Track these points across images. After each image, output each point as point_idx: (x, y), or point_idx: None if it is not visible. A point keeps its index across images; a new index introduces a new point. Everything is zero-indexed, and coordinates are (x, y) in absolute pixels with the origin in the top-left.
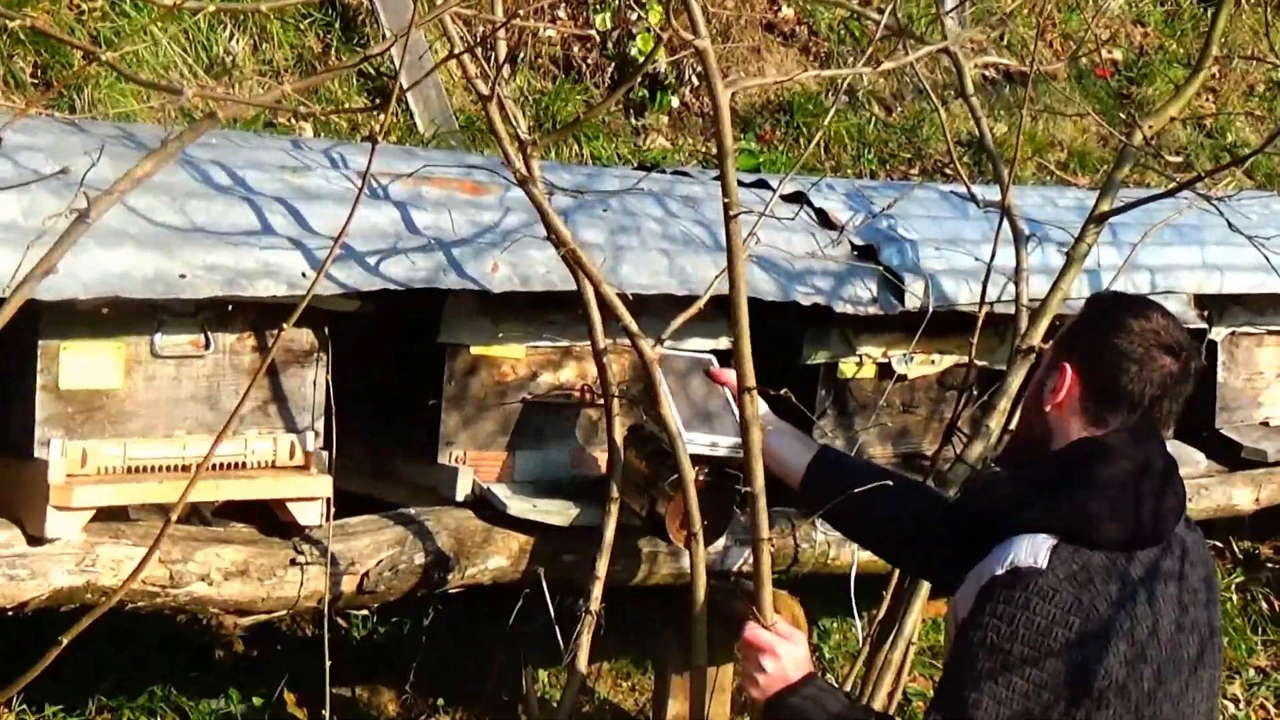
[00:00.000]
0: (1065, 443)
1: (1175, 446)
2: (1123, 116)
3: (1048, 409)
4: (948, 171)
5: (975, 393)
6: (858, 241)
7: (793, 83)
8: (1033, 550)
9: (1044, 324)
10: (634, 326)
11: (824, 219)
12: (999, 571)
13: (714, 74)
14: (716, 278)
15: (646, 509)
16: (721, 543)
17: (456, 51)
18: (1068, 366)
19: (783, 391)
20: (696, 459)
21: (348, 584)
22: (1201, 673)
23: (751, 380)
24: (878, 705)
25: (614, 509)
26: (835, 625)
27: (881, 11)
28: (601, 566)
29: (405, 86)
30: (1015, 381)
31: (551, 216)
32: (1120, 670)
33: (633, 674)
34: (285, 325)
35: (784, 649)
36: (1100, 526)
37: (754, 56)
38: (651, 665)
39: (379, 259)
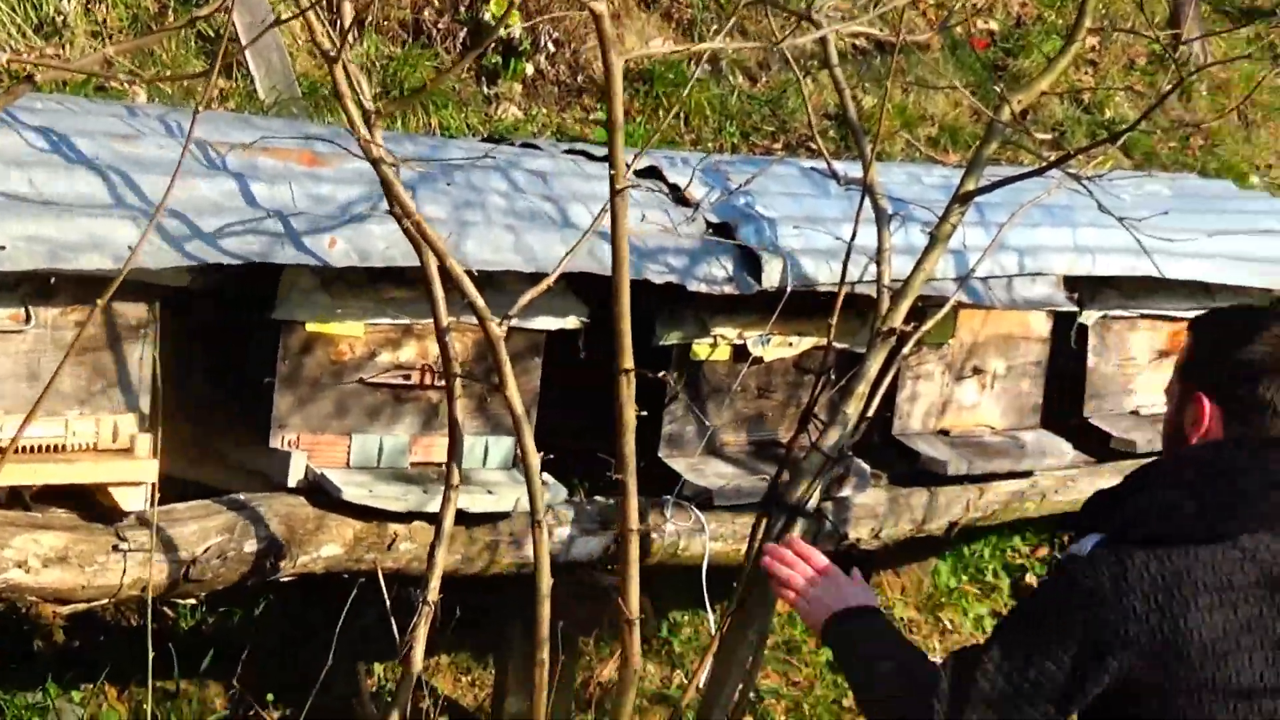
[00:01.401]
0: None
1: (1041, 437)
2: (997, 90)
3: (1194, 440)
4: (811, 146)
5: (834, 377)
6: (714, 219)
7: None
8: (1081, 545)
9: (905, 306)
10: (480, 303)
11: (679, 195)
12: (1057, 557)
13: (609, 40)
14: (567, 254)
15: None
16: (567, 531)
17: (299, 10)
18: (1201, 396)
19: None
20: None
21: (174, 572)
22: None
23: (629, 362)
24: (725, 701)
25: (454, 495)
26: (686, 618)
27: None
28: (440, 555)
29: (241, 48)
30: (875, 365)
31: (396, 188)
32: (1138, 661)
33: (473, 668)
34: (100, 301)
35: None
36: (1139, 524)
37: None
38: (493, 660)
39: (212, 232)
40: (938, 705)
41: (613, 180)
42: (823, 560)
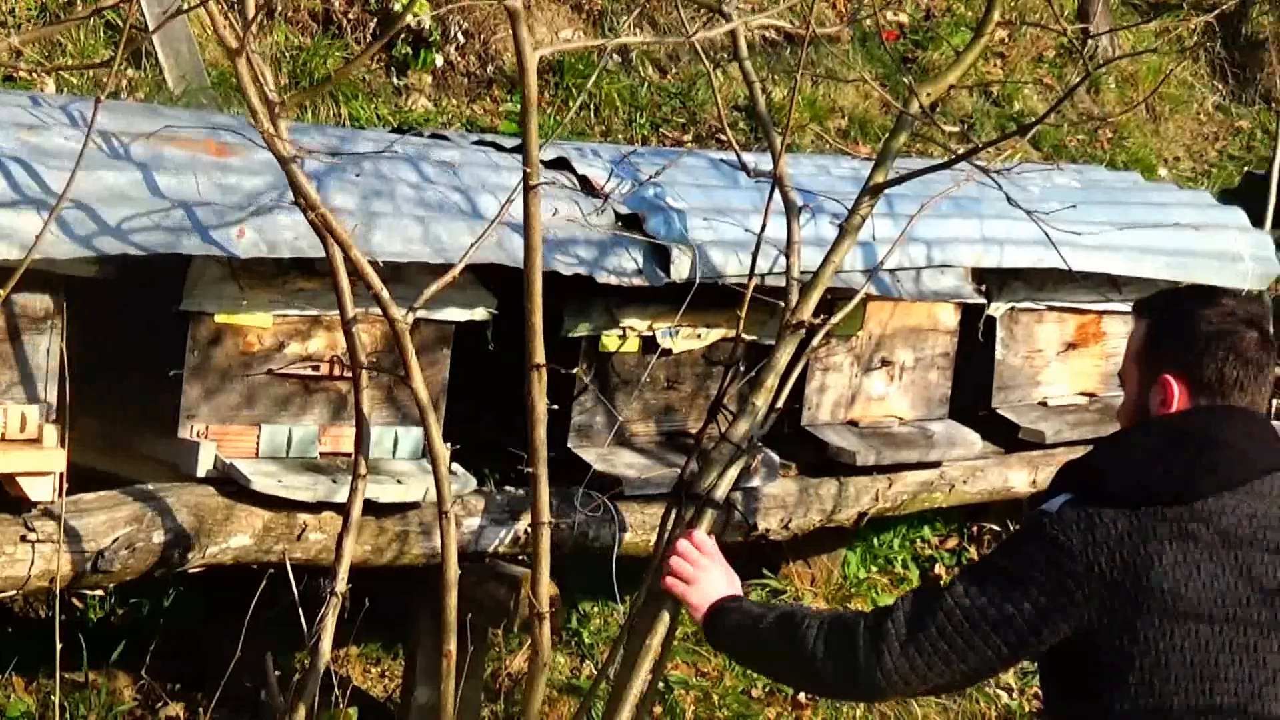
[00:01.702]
0: None
1: (949, 427)
2: (906, 82)
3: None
4: (721, 138)
5: (743, 369)
6: (622, 210)
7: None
8: (1051, 504)
9: (815, 298)
10: (385, 295)
11: (588, 186)
12: (1026, 512)
13: (523, 35)
14: (473, 246)
15: None
16: (476, 522)
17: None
18: (1168, 377)
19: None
20: None
21: (82, 563)
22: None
23: (541, 356)
24: (634, 692)
25: (362, 485)
26: (596, 609)
27: None
28: (348, 546)
29: (147, 34)
30: (783, 357)
31: (300, 179)
32: (1099, 615)
33: (383, 659)
34: (3, 291)
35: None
36: (1105, 484)
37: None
38: (402, 650)
39: (119, 222)
40: (892, 628)
41: (526, 176)
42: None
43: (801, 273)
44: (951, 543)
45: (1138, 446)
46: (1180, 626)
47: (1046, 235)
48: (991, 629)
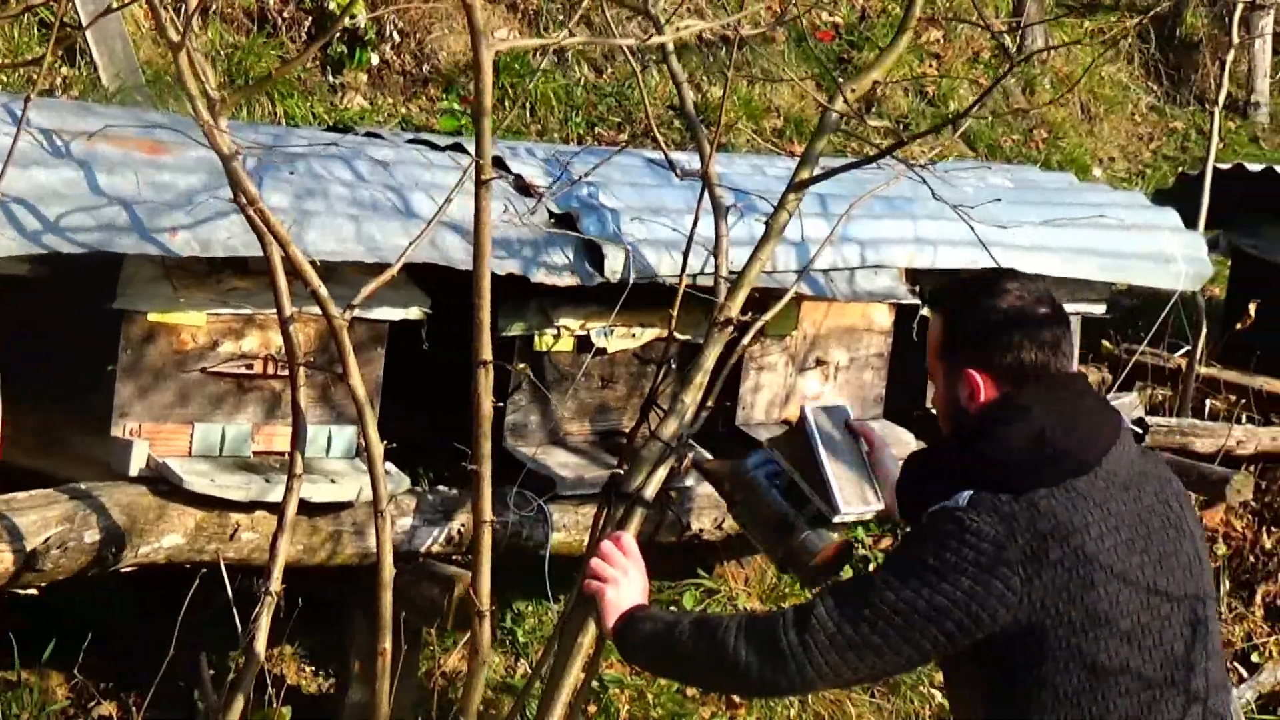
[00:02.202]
0: None
1: (884, 426)
2: (836, 80)
3: (974, 411)
4: (657, 137)
5: (675, 367)
6: (556, 209)
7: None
8: (956, 500)
9: (741, 295)
10: (323, 292)
11: (522, 185)
12: (927, 512)
13: (478, 31)
14: (410, 245)
15: (783, 550)
16: (409, 521)
17: None
18: (970, 371)
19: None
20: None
21: (14, 562)
22: (1172, 583)
23: (488, 353)
24: (566, 690)
25: (297, 485)
26: (530, 608)
27: None
28: (282, 545)
29: (79, 29)
30: (712, 355)
31: (240, 175)
32: (1044, 598)
33: (318, 658)
34: None
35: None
36: (1011, 473)
37: (458, 13)
38: (337, 649)
39: (53, 220)
40: (817, 623)
41: (479, 170)
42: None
43: (730, 272)
44: (886, 543)
45: (1014, 430)
46: (1122, 592)
47: (975, 234)
48: (925, 619)
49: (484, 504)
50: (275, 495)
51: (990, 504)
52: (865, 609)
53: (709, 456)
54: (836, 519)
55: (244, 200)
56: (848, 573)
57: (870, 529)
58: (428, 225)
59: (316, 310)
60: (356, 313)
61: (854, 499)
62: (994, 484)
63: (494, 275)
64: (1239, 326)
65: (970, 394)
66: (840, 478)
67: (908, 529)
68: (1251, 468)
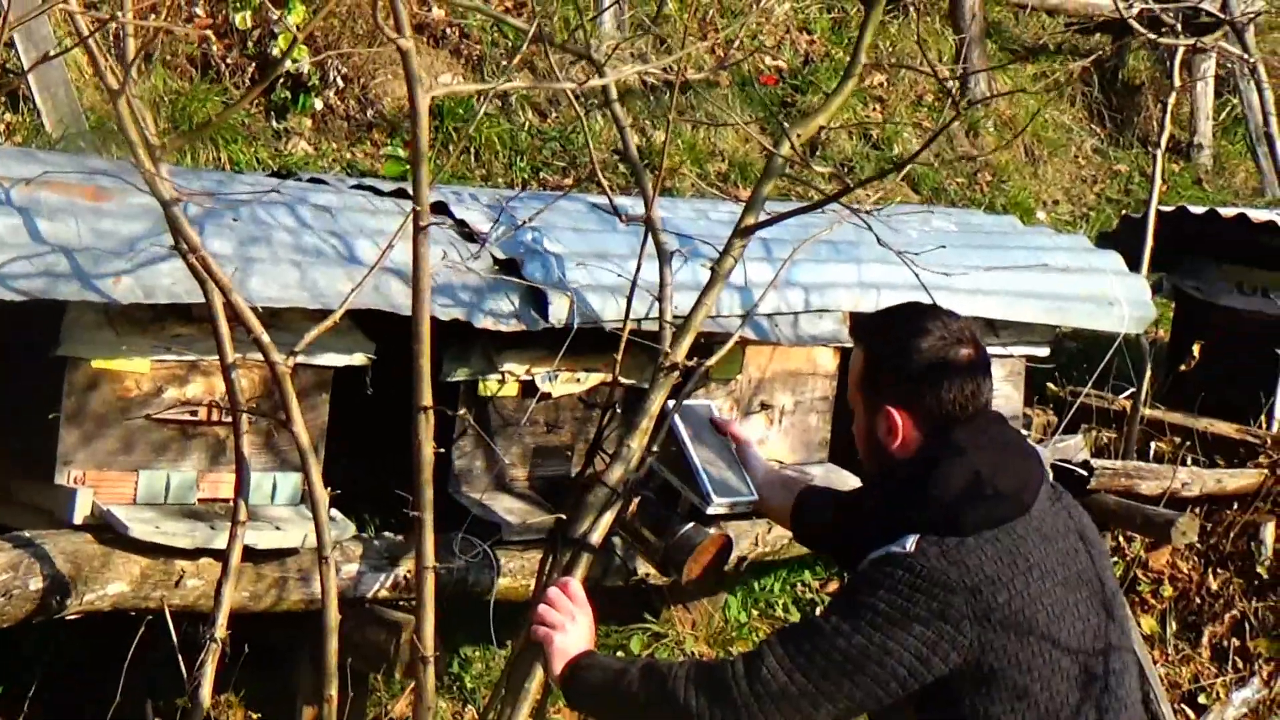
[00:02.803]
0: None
1: (828, 470)
2: (781, 125)
3: (894, 449)
4: (601, 181)
5: (620, 411)
6: (500, 254)
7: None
8: (902, 543)
9: (687, 340)
10: (265, 339)
11: (465, 230)
12: (869, 558)
13: (414, 76)
14: (352, 291)
15: (662, 549)
16: (355, 568)
17: (80, 39)
18: (890, 409)
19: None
20: (712, 519)
21: None
22: (1095, 621)
23: (428, 399)
24: None
25: (241, 531)
26: (477, 653)
27: (534, 16)
28: (227, 592)
29: (21, 75)
30: (657, 400)
31: (181, 222)
32: (985, 644)
33: (264, 705)
34: None
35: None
36: (958, 516)
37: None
38: (283, 696)
39: None
40: (766, 670)
41: (416, 216)
42: (573, 607)
43: (675, 317)
44: (833, 586)
45: (954, 473)
46: (1050, 649)
47: (918, 278)
48: (878, 665)
49: (427, 549)
50: (220, 542)
51: (938, 548)
52: (818, 656)
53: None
54: (710, 509)
55: (185, 247)
56: (794, 615)
57: (817, 572)
58: (370, 271)
59: (260, 357)
60: (300, 359)
61: (724, 489)
62: (938, 527)
63: (438, 321)
64: (1182, 368)
65: (888, 429)
66: (709, 468)
67: (848, 574)
68: (1197, 509)
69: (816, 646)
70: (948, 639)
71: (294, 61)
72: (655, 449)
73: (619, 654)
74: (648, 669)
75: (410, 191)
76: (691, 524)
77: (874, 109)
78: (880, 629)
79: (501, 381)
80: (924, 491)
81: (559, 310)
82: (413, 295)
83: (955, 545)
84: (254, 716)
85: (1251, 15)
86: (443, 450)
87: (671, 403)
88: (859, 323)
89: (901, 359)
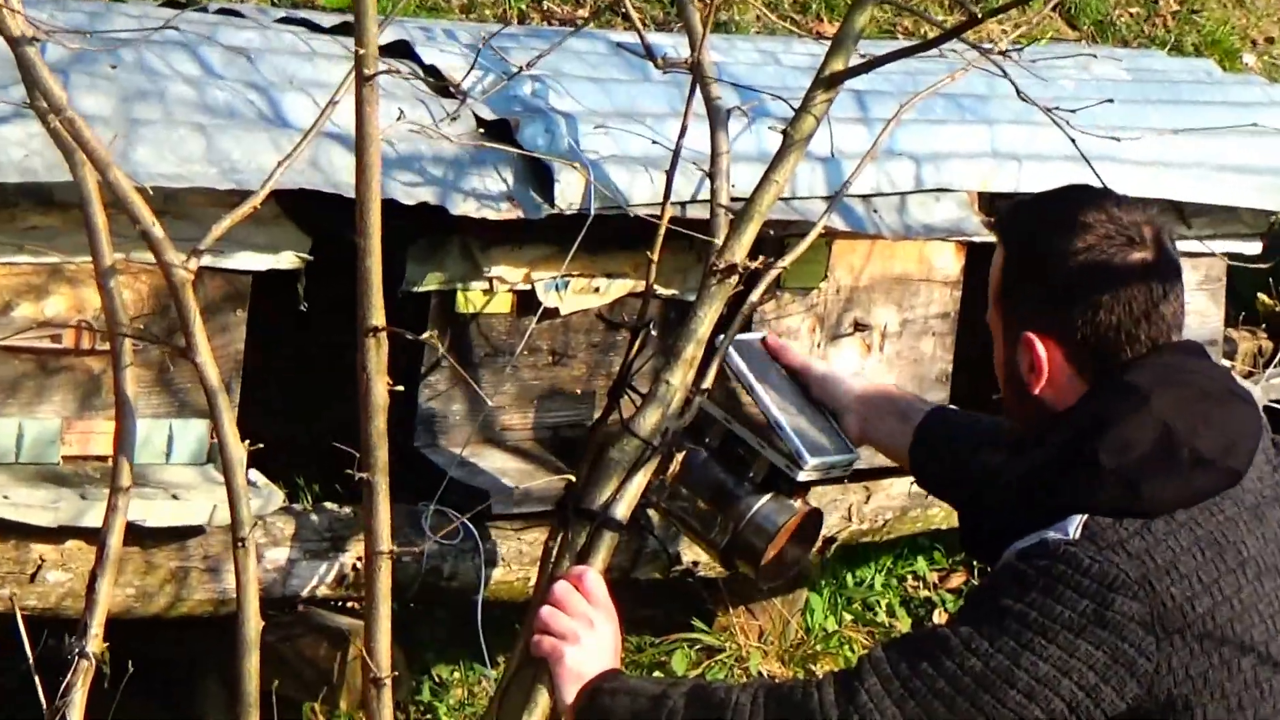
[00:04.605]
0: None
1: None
2: None
3: (1037, 393)
4: (630, 12)
5: (656, 334)
6: (487, 114)
7: None
8: (1062, 527)
9: (750, 232)
10: (158, 232)
11: (439, 81)
12: (1016, 548)
13: None
14: (280, 166)
15: (727, 533)
16: (285, 554)
17: None
18: (1032, 336)
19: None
20: (804, 484)
21: None
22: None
23: (380, 317)
24: None
25: (124, 503)
26: (456, 675)
27: None
28: (104, 588)
29: None
30: (708, 318)
31: (41, 71)
32: (1185, 667)
33: None
34: None
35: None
36: (1141, 491)
37: None
38: None
39: None
40: (868, 697)
41: (359, 62)
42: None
43: (733, 199)
44: (956, 580)
45: (1136, 430)
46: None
47: (1078, 147)
48: (1025, 695)
49: (381, 527)
50: (94, 518)
51: (1113, 535)
52: (940, 680)
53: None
54: (801, 475)
55: (45, 105)
56: (903, 622)
57: (935, 560)
58: (305, 138)
59: (150, 258)
60: (207, 261)
61: (816, 448)
62: (1114, 505)
63: (400, 207)
64: None
65: (1031, 366)
66: (789, 419)
67: (988, 569)
68: None
69: (938, 667)
70: (1124, 662)
71: None
72: (706, 387)
73: (655, 674)
74: (697, 694)
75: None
76: (768, 495)
77: None
78: (1029, 646)
79: (489, 292)
80: (1093, 457)
81: (569, 191)
82: (356, 170)
83: (1136, 531)
84: None
85: None
86: (404, 389)
87: (724, 335)
88: (1000, 213)
89: (1046, 266)
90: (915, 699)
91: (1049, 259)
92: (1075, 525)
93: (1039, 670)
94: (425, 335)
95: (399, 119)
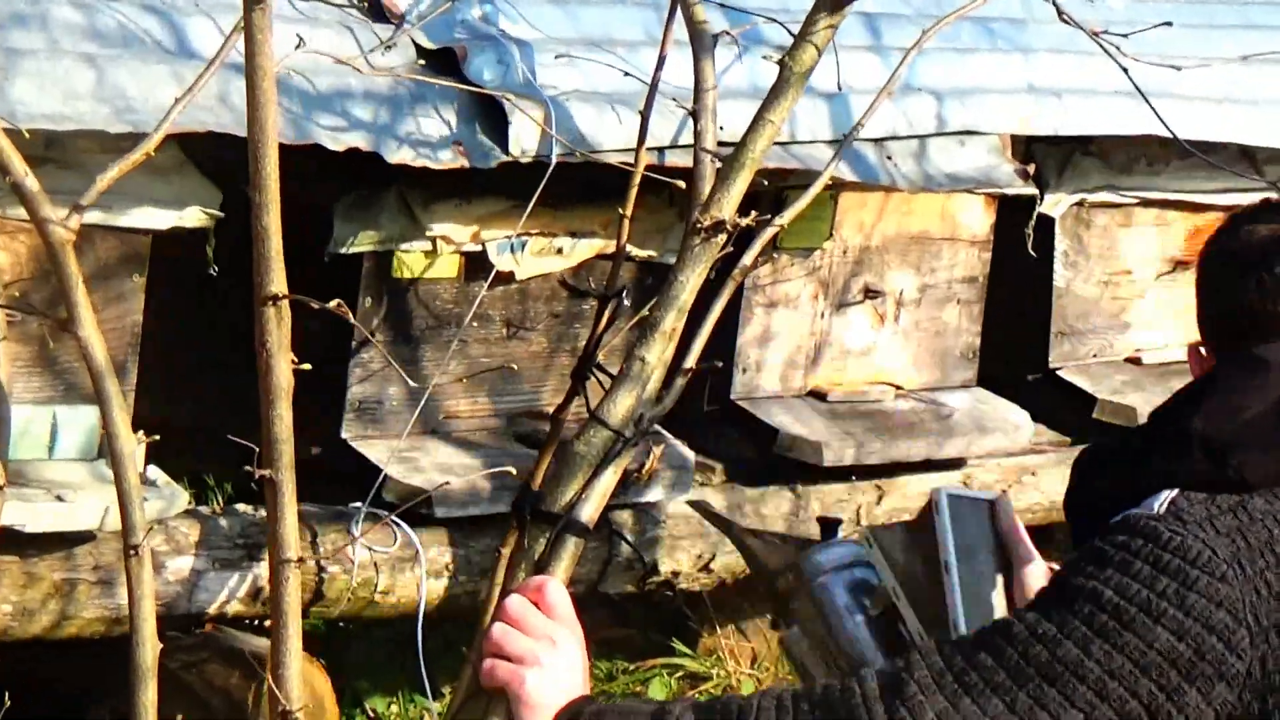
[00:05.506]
0: None
1: (976, 400)
2: None
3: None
4: None
5: (630, 303)
6: (427, 43)
7: None
8: (1149, 504)
9: (741, 182)
10: (33, 185)
11: (375, 5)
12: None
13: None
14: (179, 102)
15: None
16: (189, 563)
17: None
18: (1196, 345)
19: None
20: None
21: None
22: None
23: (280, 283)
24: None
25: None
26: (394, 709)
27: None
28: None
29: None
30: (690, 284)
31: None
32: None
33: None
34: None
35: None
36: (1238, 461)
37: None
38: None
39: None
40: (918, 689)
41: None
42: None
43: (720, 144)
44: None
45: (1246, 397)
46: None
47: (1131, 80)
48: (1095, 691)
49: (287, 533)
50: None
51: (1204, 510)
52: (1000, 671)
53: (750, 529)
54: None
55: None
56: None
57: None
58: (208, 69)
59: (24, 214)
60: (95, 218)
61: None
62: (1204, 478)
63: (324, 154)
64: None
65: (1193, 364)
66: (972, 611)
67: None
68: None
69: (999, 657)
70: (1211, 659)
71: None
72: (889, 545)
73: (637, 697)
74: (705, 706)
75: None
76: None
77: None
78: (1102, 633)
79: (431, 254)
80: (1188, 425)
81: (526, 135)
82: (248, 108)
83: (1230, 508)
84: None
85: None
86: (307, 367)
87: (944, 492)
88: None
89: (1227, 280)
90: (969, 693)
91: (1229, 281)
92: (1163, 499)
93: (1113, 662)
94: (333, 303)
95: (298, 47)
